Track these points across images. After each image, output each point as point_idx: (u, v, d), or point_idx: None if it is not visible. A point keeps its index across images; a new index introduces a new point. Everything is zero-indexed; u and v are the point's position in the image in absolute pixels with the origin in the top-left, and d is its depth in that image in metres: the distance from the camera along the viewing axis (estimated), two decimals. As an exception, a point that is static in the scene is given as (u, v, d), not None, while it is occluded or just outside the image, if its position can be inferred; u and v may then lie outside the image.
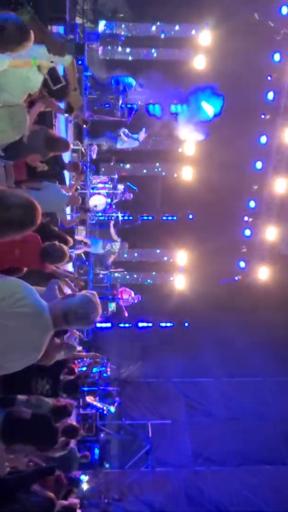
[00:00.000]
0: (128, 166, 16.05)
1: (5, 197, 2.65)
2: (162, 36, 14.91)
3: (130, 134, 13.42)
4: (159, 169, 16.62)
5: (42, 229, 5.29)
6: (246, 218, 16.50)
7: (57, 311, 2.87)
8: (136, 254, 16.83)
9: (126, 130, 13.43)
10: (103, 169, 15.01)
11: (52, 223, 6.52)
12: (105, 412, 13.41)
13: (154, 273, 16.88)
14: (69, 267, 11.49)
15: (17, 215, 2.67)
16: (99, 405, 13.16)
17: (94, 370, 12.52)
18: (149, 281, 16.87)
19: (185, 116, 14.21)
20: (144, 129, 13.63)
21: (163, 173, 16.65)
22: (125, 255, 16.49)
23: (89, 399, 12.91)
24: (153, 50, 14.98)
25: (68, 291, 6.31)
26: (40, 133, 5.82)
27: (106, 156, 15.02)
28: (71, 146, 9.69)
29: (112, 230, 12.84)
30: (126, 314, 13.96)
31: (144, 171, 16.42)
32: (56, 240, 5.20)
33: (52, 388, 5.04)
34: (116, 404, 13.58)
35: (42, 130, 5.88)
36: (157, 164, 16.49)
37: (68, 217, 8.60)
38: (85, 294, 2.95)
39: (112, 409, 13.41)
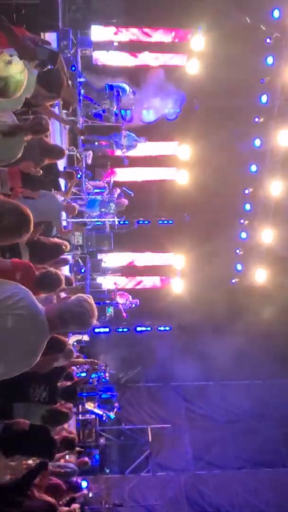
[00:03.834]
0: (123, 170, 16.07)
1: None
2: (155, 41, 14.96)
3: (132, 140, 13.38)
4: (155, 173, 16.66)
5: (35, 245, 5.30)
6: (242, 221, 16.55)
7: (53, 313, 2.87)
8: (133, 258, 16.84)
9: (126, 134, 13.39)
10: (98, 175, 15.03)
11: (47, 232, 6.51)
12: (104, 418, 13.40)
13: (151, 277, 16.90)
14: (66, 271, 11.50)
15: (8, 222, 2.70)
16: (98, 411, 13.15)
17: (93, 375, 12.51)
18: (146, 285, 16.88)
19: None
20: (144, 138, 13.62)
21: (159, 177, 16.69)
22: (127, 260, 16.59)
23: (89, 405, 12.89)
24: (146, 56, 15.03)
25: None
26: (35, 141, 5.82)
27: (101, 162, 15.04)
28: (66, 153, 9.72)
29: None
30: (125, 316, 13.92)
31: (140, 175, 16.44)
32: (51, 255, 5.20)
33: (50, 395, 5.04)
34: (115, 410, 13.56)
35: (35, 139, 5.86)
36: (153, 168, 16.52)
37: (64, 223, 8.62)
38: (80, 295, 2.98)
39: (112, 415, 13.40)
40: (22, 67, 3.10)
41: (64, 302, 2.95)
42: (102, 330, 15.05)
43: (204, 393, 15.35)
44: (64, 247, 6.31)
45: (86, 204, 12.22)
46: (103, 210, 12.53)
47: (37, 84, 4.40)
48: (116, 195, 13.23)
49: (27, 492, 4.37)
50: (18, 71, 3.04)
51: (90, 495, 12.35)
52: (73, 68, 12.74)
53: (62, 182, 8.75)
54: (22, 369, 2.86)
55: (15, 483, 4.46)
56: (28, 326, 2.79)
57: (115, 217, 12.98)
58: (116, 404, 13.81)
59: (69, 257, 11.09)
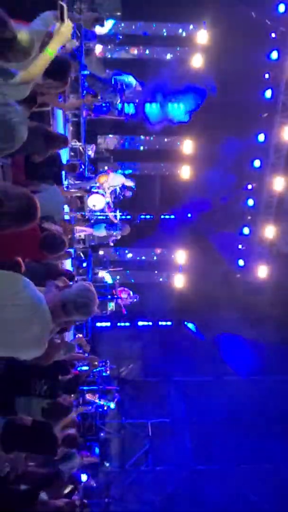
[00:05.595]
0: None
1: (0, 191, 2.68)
2: (160, 35, 14.90)
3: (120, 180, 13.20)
4: (158, 168, 16.62)
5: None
6: (244, 217, 16.51)
7: (56, 302, 2.85)
8: (134, 254, 16.82)
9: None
10: (101, 169, 14.98)
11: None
12: (105, 408, 13.37)
13: (153, 272, 16.87)
14: (68, 265, 11.48)
15: (12, 208, 2.69)
16: (98, 402, 13.15)
17: (93, 370, 12.49)
18: (148, 280, 16.86)
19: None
20: (132, 181, 13.42)
21: (162, 172, 16.64)
22: (129, 255, 16.57)
23: (89, 396, 12.89)
24: (151, 49, 14.97)
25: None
26: (38, 130, 5.77)
27: (104, 155, 14.99)
28: (70, 142, 9.66)
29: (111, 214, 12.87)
30: (125, 312, 13.94)
31: (144, 170, 16.40)
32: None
33: (51, 388, 5.02)
34: (116, 400, 13.54)
35: (40, 127, 5.81)
36: (156, 163, 16.48)
37: (67, 216, 8.60)
38: (82, 284, 2.98)
39: (112, 405, 13.38)
40: (32, 40, 3.08)
41: (66, 291, 2.92)
42: (103, 324, 15.05)
43: (204, 388, 15.33)
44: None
45: (93, 225, 12.35)
46: (109, 232, 12.65)
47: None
48: (118, 191, 13.20)
49: (36, 500, 4.34)
50: (26, 39, 3.03)
51: (93, 484, 12.31)
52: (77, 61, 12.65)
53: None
54: (31, 356, 2.88)
55: (25, 491, 4.44)
56: (30, 316, 2.76)
57: (117, 212, 12.97)
58: (117, 394, 13.79)
59: (71, 250, 11.08)
